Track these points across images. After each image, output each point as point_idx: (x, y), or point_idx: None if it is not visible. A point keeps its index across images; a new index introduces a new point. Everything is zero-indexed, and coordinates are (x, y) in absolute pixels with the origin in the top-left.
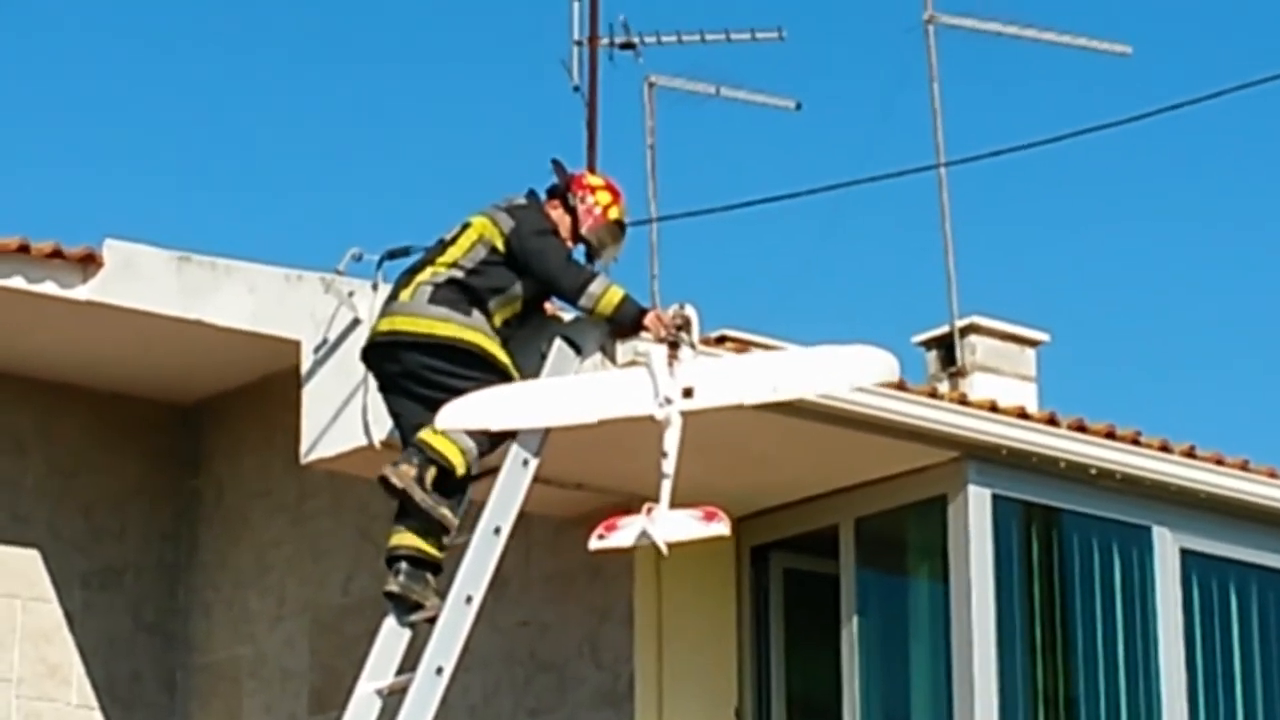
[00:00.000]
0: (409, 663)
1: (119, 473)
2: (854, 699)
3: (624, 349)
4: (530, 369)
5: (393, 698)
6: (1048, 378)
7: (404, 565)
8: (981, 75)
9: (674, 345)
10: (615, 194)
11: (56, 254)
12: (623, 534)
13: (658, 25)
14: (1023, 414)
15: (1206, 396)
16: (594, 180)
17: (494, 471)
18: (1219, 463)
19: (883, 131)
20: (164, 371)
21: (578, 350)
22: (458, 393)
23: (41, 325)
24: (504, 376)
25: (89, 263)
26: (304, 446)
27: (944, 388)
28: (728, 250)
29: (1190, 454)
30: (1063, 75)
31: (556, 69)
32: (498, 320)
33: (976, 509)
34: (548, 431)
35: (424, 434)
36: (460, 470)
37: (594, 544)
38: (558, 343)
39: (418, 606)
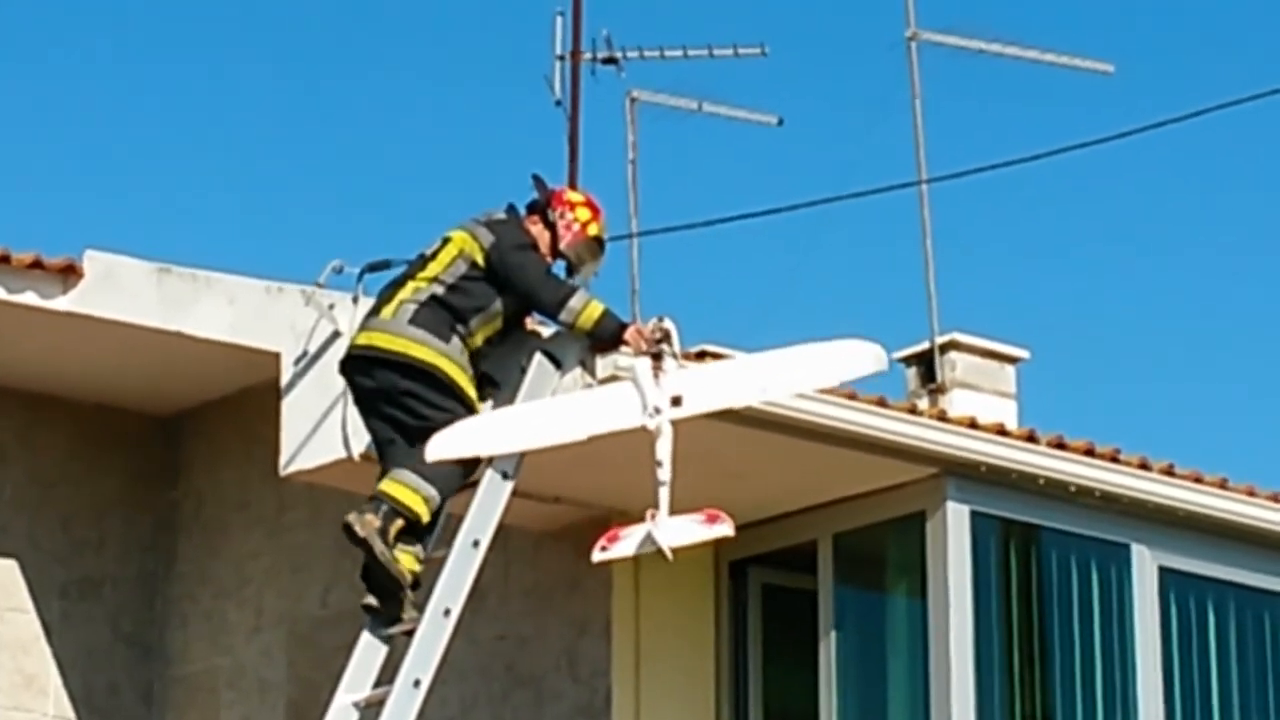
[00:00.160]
0: (386, 675)
1: (98, 483)
2: (831, 714)
3: (604, 363)
4: (510, 384)
5: (370, 710)
6: (1027, 395)
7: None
8: (964, 93)
9: (657, 357)
10: (595, 210)
11: (37, 265)
12: (625, 543)
13: (640, 40)
14: (1002, 431)
15: (1186, 415)
16: (574, 196)
17: (473, 485)
18: (1198, 481)
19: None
20: (144, 382)
21: (558, 365)
22: (419, 417)
23: (21, 336)
24: (468, 410)
25: (69, 273)
26: (283, 458)
27: (923, 404)
28: (708, 265)
29: (1169, 472)
30: (1045, 93)
31: (539, 83)
32: (479, 339)
33: (955, 525)
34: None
35: (384, 484)
36: (425, 518)
37: (597, 555)
38: (537, 358)
39: (388, 597)
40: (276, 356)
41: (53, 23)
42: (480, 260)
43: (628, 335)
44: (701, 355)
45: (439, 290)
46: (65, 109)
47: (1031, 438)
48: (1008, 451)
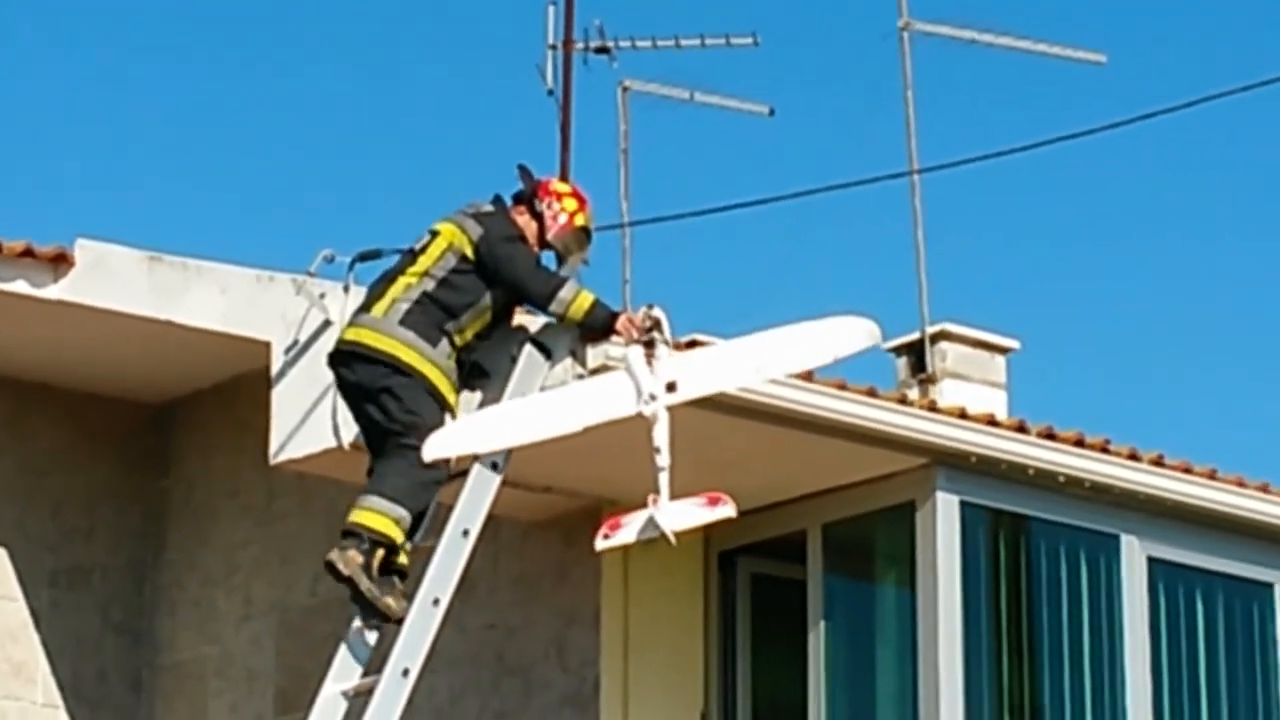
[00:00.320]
0: (375, 664)
1: (88, 472)
2: (820, 704)
3: (594, 353)
4: (501, 373)
5: (359, 699)
6: (1017, 385)
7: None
8: (956, 83)
9: (649, 345)
10: (581, 201)
11: (28, 253)
12: (628, 530)
13: (632, 30)
14: (992, 421)
15: (1175, 405)
16: (560, 187)
17: (463, 475)
18: (1187, 471)
19: (856, 137)
20: (134, 371)
21: (548, 355)
22: (390, 418)
23: (12, 324)
24: (445, 416)
25: (60, 262)
26: (273, 447)
27: (914, 394)
28: (700, 255)
29: (1158, 462)
30: (1037, 83)
31: (531, 73)
32: (469, 334)
33: (945, 516)
34: None
35: (355, 515)
36: (400, 540)
37: (600, 544)
38: (528, 348)
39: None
40: (267, 345)
41: (43, 13)
42: (469, 253)
43: (619, 324)
44: (692, 344)
45: (429, 286)
46: (56, 98)
47: (1021, 428)
48: (998, 442)
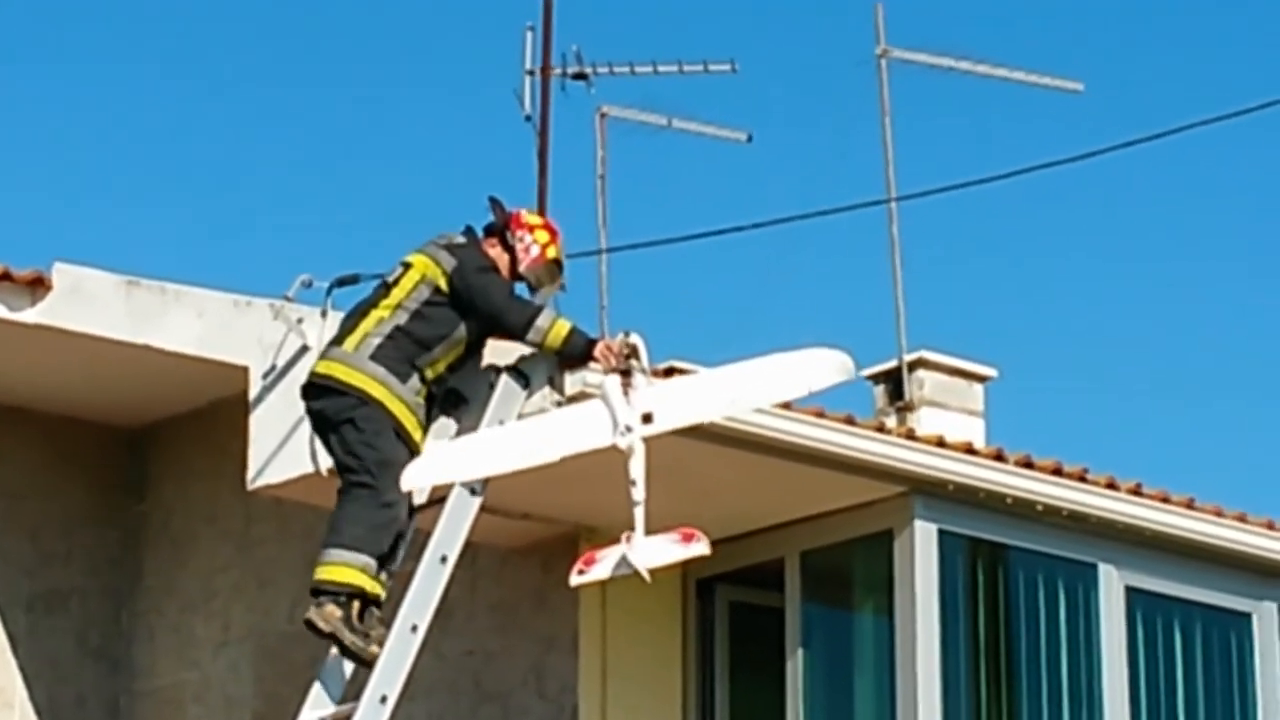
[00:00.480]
0: (353, 691)
1: (66, 496)
2: None
3: (572, 380)
4: (479, 400)
5: None
6: (995, 413)
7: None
8: (934, 110)
9: (626, 374)
10: (553, 233)
11: (5, 276)
12: (602, 565)
13: (610, 56)
14: (970, 450)
15: (1154, 435)
16: (532, 219)
17: (441, 501)
18: (1165, 501)
19: (834, 165)
20: (112, 395)
21: (526, 383)
22: (347, 451)
23: None
24: (411, 454)
25: (37, 286)
26: (251, 472)
27: (891, 422)
28: (677, 282)
29: (1137, 492)
30: (1015, 111)
31: (509, 98)
32: (441, 366)
33: (923, 544)
34: None
35: (321, 573)
36: (370, 587)
37: (575, 579)
38: (505, 377)
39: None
40: (245, 370)
41: (21, 34)
42: (443, 285)
43: (596, 351)
44: (670, 372)
45: (402, 319)
46: (33, 121)
47: (999, 456)
48: (975, 470)
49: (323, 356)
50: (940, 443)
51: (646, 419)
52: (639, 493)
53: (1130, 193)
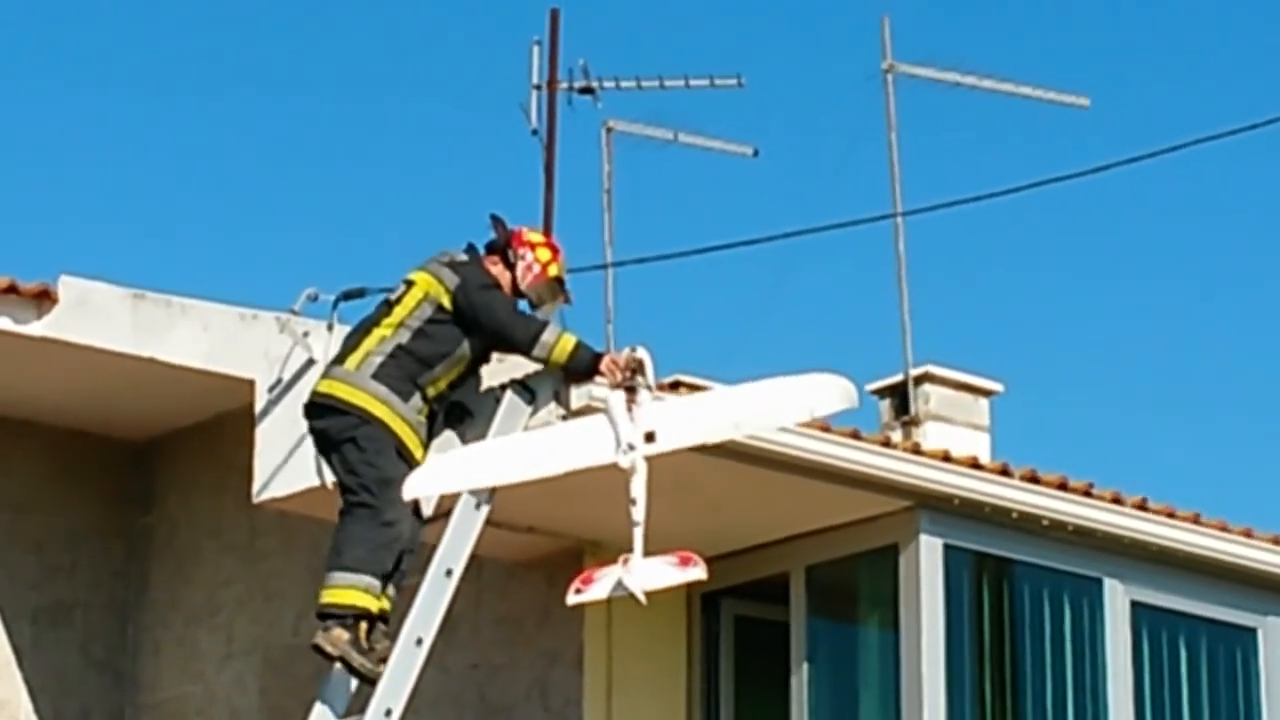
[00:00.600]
0: (358, 704)
1: (71, 509)
2: None
3: (577, 394)
4: (484, 414)
5: None
6: (1001, 428)
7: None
8: (940, 125)
9: (631, 389)
10: (554, 250)
11: (11, 290)
12: (599, 586)
13: (617, 70)
14: (975, 464)
15: (1160, 450)
16: (534, 236)
17: (447, 515)
18: (1171, 516)
19: (840, 179)
20: (117, 408)
21: (531, 398)
22: (348, 470)
23: None
24: (409, 470)
25: (44, 299)
26: (256, 485)
27: (897, 437)
28: (683, 296)
29: (1142, 507)
30: (1021, 126)
31: (515, 112)
32: (443, 384)
33: (928, 558)
34: None
35: (325, 596)
36: (375, 607)
37: (572, 598)
38: (509, 392)
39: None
40: (251, 383)
41: (28, 48)
42: (446, 303)
43: (602, 366)
44: (676, 386)
45: (404, 338)
46: (40, 134)
47: (1005, 471)
48: (981, 485)
49: (324, 375)
50: (946, 457)
51: (649, 438)
52: (639, 513)
53: (1136, 208)
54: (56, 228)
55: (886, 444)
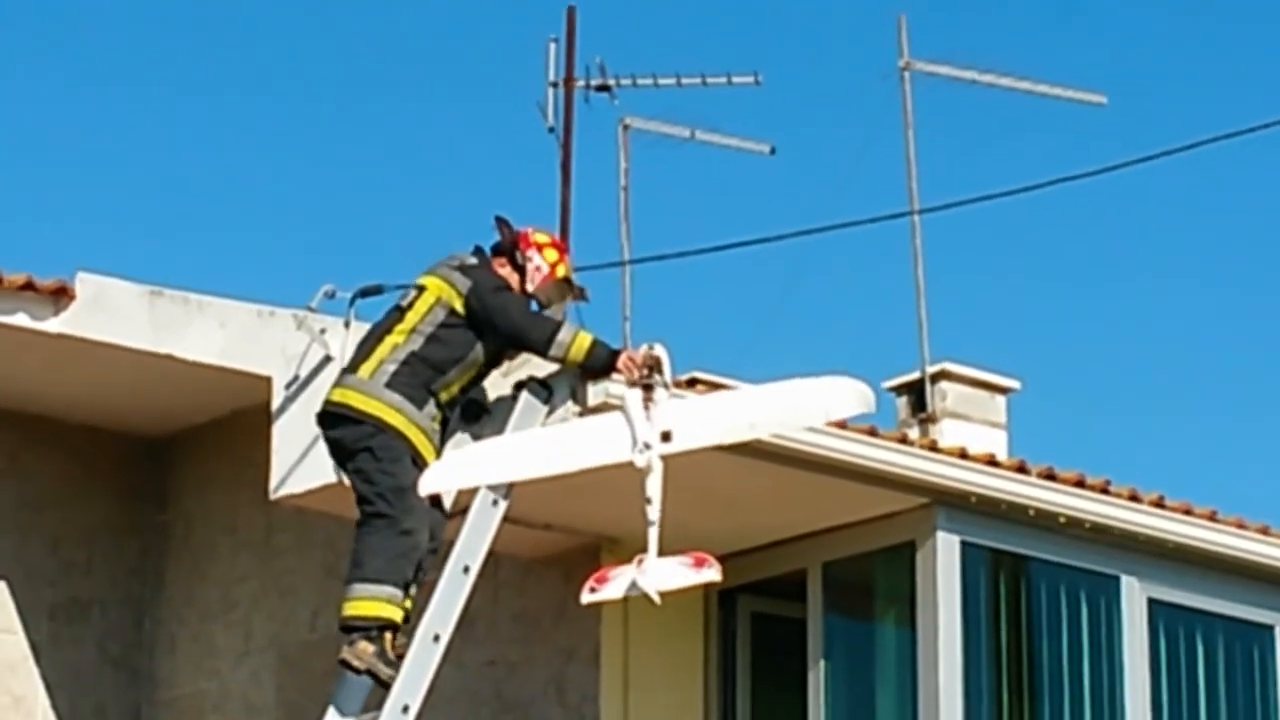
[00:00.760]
0: (374, 700)
1: (87, 506)
2: None
3: (594, 390)
4: (501, 411)
5: None
6: (1018, 425)
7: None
8: (956, 123)
9: (648, 387)
10: (561, 250)
11: (28, 286)
12: (614, 585)
13: (634, 68)
14: (992, 461)
15: (1176, 447)
16: (540, 237)
17: (464, 511)
18: (1188, 513)
19: (857, 177)
20: (134, 405)
21: (548, 395)
22: (366, 480)
23: (12, 357)
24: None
25: (61, 295)
26: (273, 482)
27: (914, 434)
28: (700, 293)
29: (1159, 504)
30: (1037, 124)
31: (532, 110)
32: (455, 388)
33: (945, 555)
34: None
35: (348, 609)
36: (399, 617)
37: (586, 597)
38: (525, 391)
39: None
40: (268, 380)
41: (46, 44)
42: (459, 307)
43: (619, 363)
44: (692, 383)
45: (417, 344)
46: (58, 131)
47: (1022, 468)
48: (998, 482)
49: (338, 384)
50: (963, 454)
51: (665, 437)
52: (654, 512)
53: (1154, 205)
54: (73, 225)
55: (903, 441)
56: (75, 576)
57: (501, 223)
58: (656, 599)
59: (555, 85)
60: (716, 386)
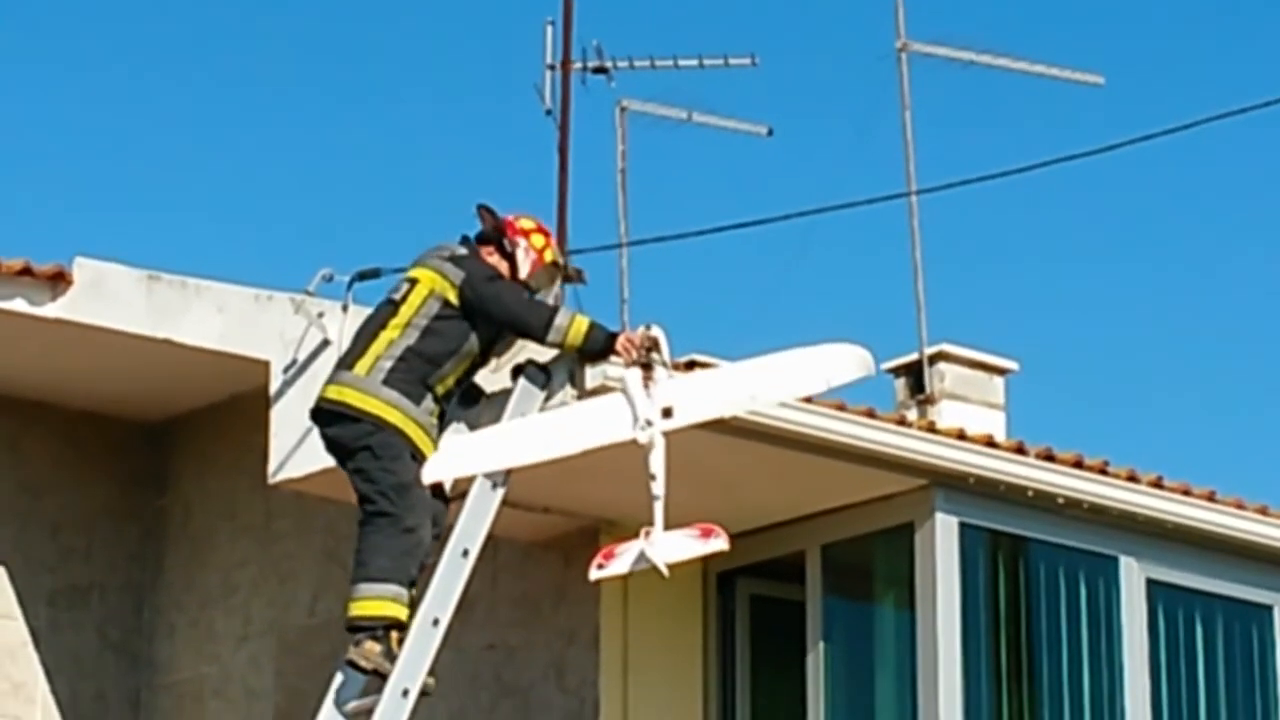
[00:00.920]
0: (375, 685)
1: (86, 491)
2: None
3: (592, 373)
4: (498, 401)
5: (358, 719)
6: (1016, 406)
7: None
8: (954, 103)
9: (647, 367)
10: (547, 235)
11: (26, 271)
12: (621, 560)
13: (631, 50)
14: (991, 442)
15: (1175, 427)
16: (525, 224)
17: (464, 495)
18: (1186, 493)
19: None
20: (132, 390)
21: (545, 381)
22: (367, 478)
23: (10, 343)
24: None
25: (59, 281)
26: (272, 467)
27: (912, 415)
28: (698, 275)
29: (1158, 484)
30: (1035, 105)
31: (529, 92)
32: (451, 380)
33: (944, 537)
34: None
35: (353, 610)
36: (405, 616)
37: (594, 574)
38: (526, 372)
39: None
40: (266, 365)
41: (43, 31)
42: (453, 298)
43: (618, 345)
44: (691, 365)
45: (413, 338)
46: (55, 116)
47: (1020, 449)
48: (996, 463)
49: (334, 381)
50: (961, 435)
51: (666, 413)
52: (658, 487)
53: (1152, 186)
54: (71, 209)
55: (902, 422)
56: (75, 562)
57: (485, 210)
58: (665, 571)
59: (552, 68)
60: (714, 367)
